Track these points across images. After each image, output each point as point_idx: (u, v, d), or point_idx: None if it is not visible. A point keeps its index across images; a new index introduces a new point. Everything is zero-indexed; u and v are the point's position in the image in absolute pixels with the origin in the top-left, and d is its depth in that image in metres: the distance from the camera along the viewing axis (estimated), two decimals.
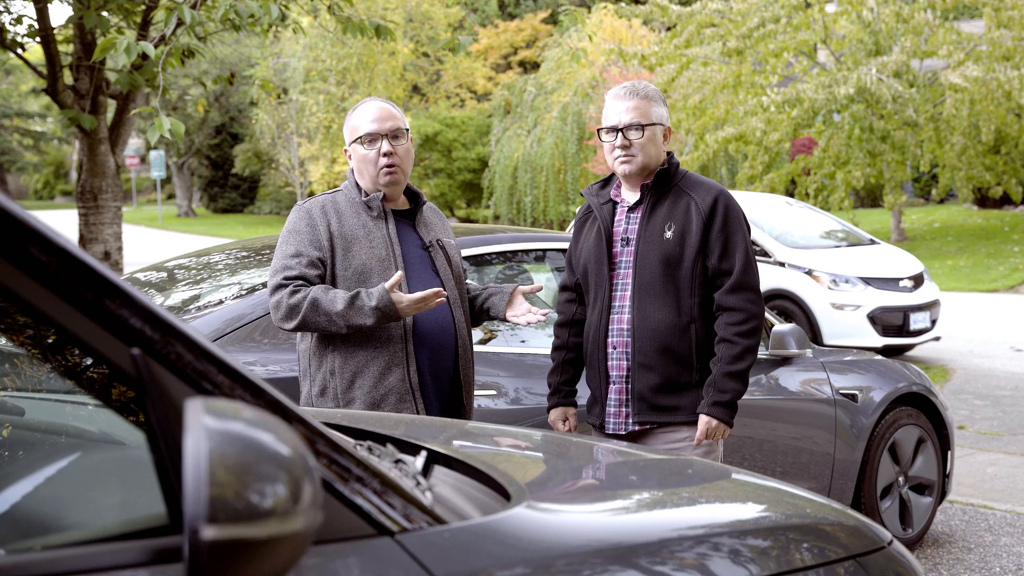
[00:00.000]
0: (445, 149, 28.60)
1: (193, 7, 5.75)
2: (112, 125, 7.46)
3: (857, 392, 4.59)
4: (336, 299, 2.90)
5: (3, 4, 7.45)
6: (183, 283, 4.20)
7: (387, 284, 2.88)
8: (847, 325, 9.64)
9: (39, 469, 1.50)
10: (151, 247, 23.60)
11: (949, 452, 5.01)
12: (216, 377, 1.15)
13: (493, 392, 3.66)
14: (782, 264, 9.98)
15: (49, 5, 7.02)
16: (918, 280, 10.07)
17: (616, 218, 3.22)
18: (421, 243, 3.13)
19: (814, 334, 9.63)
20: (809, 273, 9.88)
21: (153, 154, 34.39)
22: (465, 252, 3.83)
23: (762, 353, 4.29)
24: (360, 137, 3.08)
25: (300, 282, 2.96)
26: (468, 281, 3.40)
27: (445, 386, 3.08)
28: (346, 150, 3.17)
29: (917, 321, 9.75)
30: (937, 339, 10.12)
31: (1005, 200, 22.31)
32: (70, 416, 1.60)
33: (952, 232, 20.55)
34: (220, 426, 0.99)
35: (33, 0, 6.94)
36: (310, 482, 1.02)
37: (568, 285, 3.38)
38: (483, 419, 3.47)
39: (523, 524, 1.42)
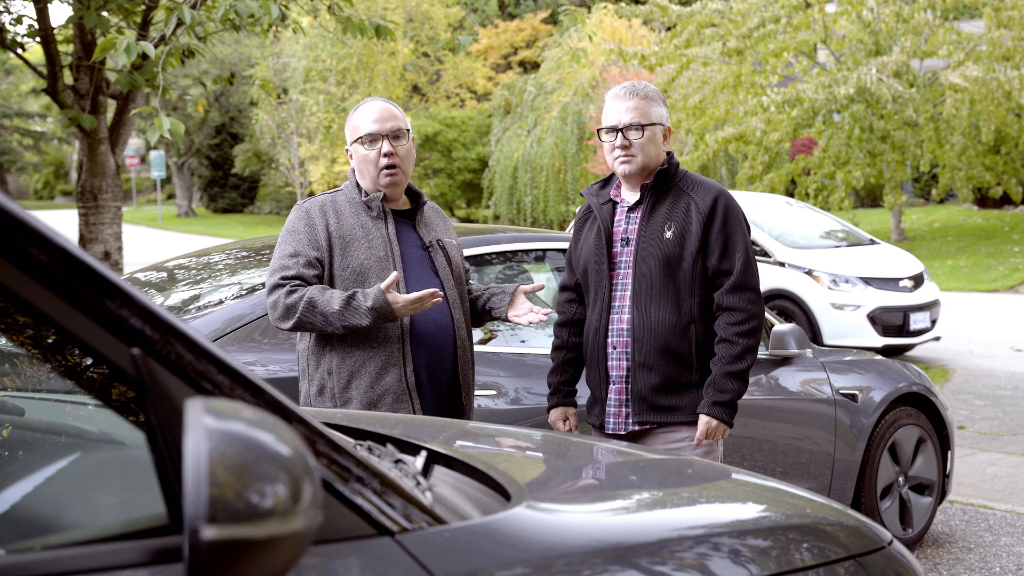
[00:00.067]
0: (445, 149, 28.60)
1: (193, 7, 5.75)
2: (112, 125, 7.46)
3: (857, 392, 4.59)
4: (332, 299, 2.90)
5: (3, 4, 7.45)
6: (183, 283, 4.20)
7: (383, 285, 2.88)
8: (847, 325, 9.64)
9: (39, 469, 1.50)
10: (151, 247, 23.60)
11: (949, 452, 5.01)
12: (216, 377, 1.15)
13: (493, 392, 3.66)
14: (782, 264, 9.99)
15: (49, 5, 7.02)
16: (918, 280, 10.07)
17: (616, 218, 3.22)
18: (421, 243, 3.13)
19: (814, 334, 9.63)
20: (809, 273, 9.88)
21: (153, 154, 34.40)
22: (465, 252, 3.83)
23: (762, 353, 4.29)
24: (361, 137, 3.08)
25: (297, 282, 2.96)
26: (471, 282, 3.40)
27: (443, 386, 3.08)
28: (347, 150, 3.17)
29: (917, 321, 9.75)
30: (937, 339, 10.12)
31: (1005, 200, 22.31)
32: (70, 416, 1.60)
33: (952, 232, 20.55)
34: (220, 426, 0.99)
35: (33, 0, 6.94)
36: (310, 482, 1.02)
37: (568, 285, 3.38)
38: (483, 419, 3.47)
39: (523, 524, 1.42)
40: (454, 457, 1.75)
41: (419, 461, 1.66)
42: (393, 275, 2.89)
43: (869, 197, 24.61)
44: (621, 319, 3.15)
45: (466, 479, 1.66)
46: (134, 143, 38.71)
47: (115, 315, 1.09)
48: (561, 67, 24.24)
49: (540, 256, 4.34)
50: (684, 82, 18.35)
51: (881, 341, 9.57)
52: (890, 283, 9.87)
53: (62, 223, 21.57)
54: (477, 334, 3.77)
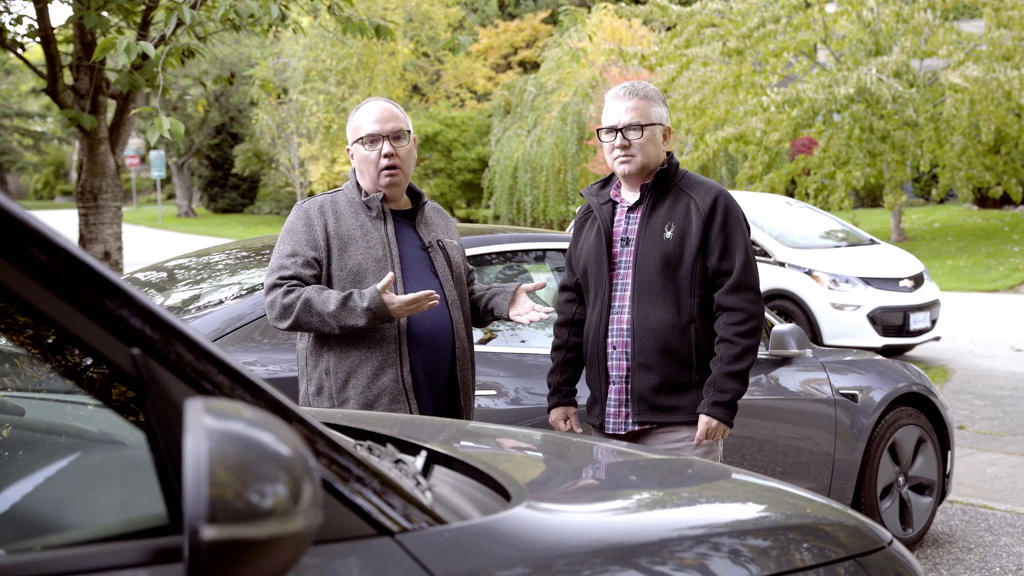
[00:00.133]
0: (445, 149, 28.60)
1: (193, 7, 5.75)
2: (112, 125, 7.46)
3: (857, 392, 4.59)
4: (329, 300, 2.90)
5: (3, 4, 7.45)
6: (183, 283, 4.20)
7: (379, 285, 2.88)
8: (847, 325, 9.64)
9: (39, 469, 1.50)
10: (151, 247, 23.60)
11: (949, 452, 5.01)
12: (216, 377, 1.15)
13: (493, 392, 3.66)
14: (782, 264, 9.98)
15: (49, 5, 7.02)
16: (918, 280, 10.07)
17: (616, 218, 3.22)
18: (421, 243, 3.13)
19: (814, 334, 9.63)
20: (809, 273, 9.88)
21: (153, 154, 34.40)
22: (466, 252, 3.83)
23: (762, 353, 4.29)
24: (362, 138, 3.08)
25: (295, 282, 2.96)
26: (474, 282, 3.39)
27: (440, 387, 3.07)
28: (348, 150, 3.17)
29: (917, 321, 9.75)
30: (937, 339, 10.12)
31: (1005, 200, 22.31)
32: (70, 416, 1.60)
33: (952, 232, 20.55)
34: (220, 426, 0.99)
35: (33, 0, 6.94)
36: (310, 482, 1.02)
37: (568, 285, 3.38)
38: (483, 419, 3.47)
39: (523, 524, 1.42)
40: (454, 457, 1.75)
41: (419, 461, 1.66)
42: (389, 275, 2.89)
43: (869, 197, 24.61)
44: (621, 319, 3.15)
45: (466, 479, 1.66)
46: (134, 143, 38.71)
47: (115, 315, 1.09)
48: (561, 67, 24.25)
49: (540, 256, 4.34)
50: (684, 82, 18.36)
51: (881, 341, 9.57)
52: (890, 283, 9.87)
53: (62, 223, 21.57)
54: (477, 334, 3.77)
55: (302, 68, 28.75)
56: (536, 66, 30.24)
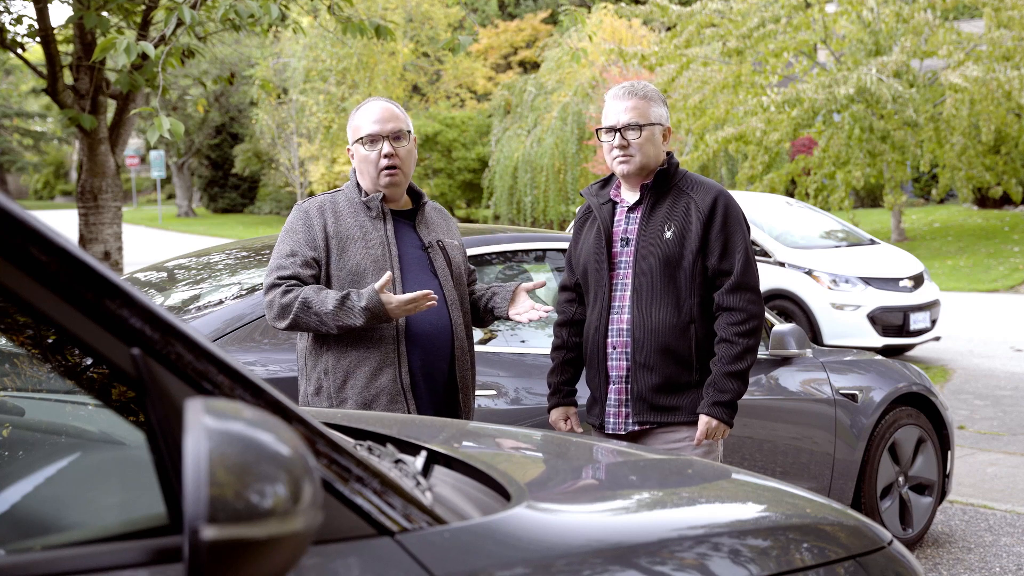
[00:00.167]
0: (445, 149, 28.60)
1: (193, 7, 5.75)
2: (112, 125, 7.46)
3: (857, 392, 4.59)
4: (327, 299, 2.91)
5: (3, 4, 7.45)
6: (183, 283, 4.20)
7: (377, 285, 2.88)
8: (847, 325, 9.64)
9: (39, 469, 1.50)
10: (151, 247, 23.60)
11: (949, 452, 5.01)
12: (216, 377, 1.15)
13: (493, 392, 3.66)
14: (782, 264, 9.98)
15: (49, 5, 7.02)
16: (918, 280, 10.07)
17: (616, 218, 3.22)
18: (420, 244, 3.13)
19: (814, 334, 9.63)
20: (809, 273, 9.88)
21: (153, 154, 34.40)
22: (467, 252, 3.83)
23: (762, 353, 4.29)
24: (362, 138, 3.08)
25: (293, 282, 2.97)
26: (475, 282, 3.38)
27: (439, 387, 3.07)
28: (349, 149, 3.17)
29: (917, 321, 9.75)
30: (937, 339, 10.12)
31: (1005, 200, 22.31)
32: (70, 416, 1.60)
33: (952, 232, 20.55)
34: (220, 426, 0.99)
35: (33, 0, 6.94)
36: (310, 482, 1.02)
37: (568, 285, 3.38)
38: (483, 419, 3.47)
39: (523, 524, 1.42)
40: (454, 457, 1.75)
41: (419, 461, 1.66)
42: (387, 275, 2.89)
43: (869, 197, 24.61)
44: (621, 319, 3.15)
45: (466, 479, 1.66)
46: (134, 143, 38.71)
47: (115, 315, 1.09)
48: (561, 67, 24.24)
49: (540, 256, 4.34)
50: (684, 82, 18.36)
51: (881, 341, 9.57)
52: (890, 283, 9.87)
53: (62, 223, 21.57)
54: (477, 334, 3.76)
55: (302, 68, 28.75)
56: (536, 66, 30.24)
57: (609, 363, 3.18)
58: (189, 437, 0.97)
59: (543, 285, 3.21)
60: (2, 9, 7.38)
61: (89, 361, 1.19)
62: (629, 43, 22.45)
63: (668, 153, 3.23)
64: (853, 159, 17.25)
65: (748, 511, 1.84)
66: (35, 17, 7.05)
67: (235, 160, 36.56)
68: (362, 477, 1.26)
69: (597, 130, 3.25)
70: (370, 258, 3.01)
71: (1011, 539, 4.93)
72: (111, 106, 7.52)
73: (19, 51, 7.13)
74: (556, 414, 3.33)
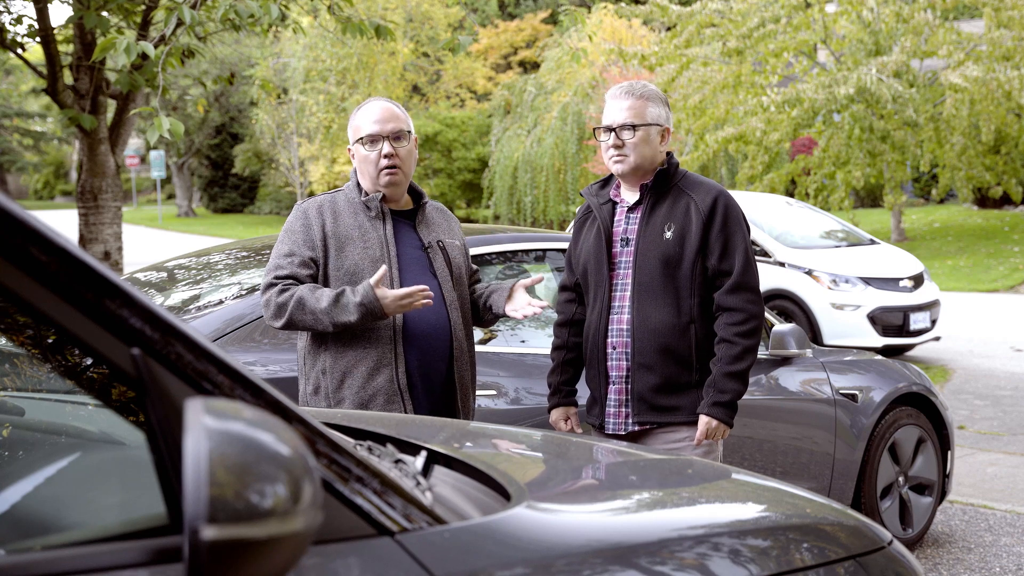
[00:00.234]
0: (445, 149, 28.60)
1: (193, 7, 5.75)
2: (112, 125, 7.46)
3: (857, 392, 4.59)
4: (322, 297, 2.91)
5: (3, 4, 7.45)
6: (183, 283, 4.21)
7: (372, 280, 2.88)
8: (847, 325, 9.64)
9: (39, 469, 1.50)
10: (151, 247, 23.60)
11: (949, 452, 5.01)
12: (216, 377, 1.15)
13: (493, 392, 3.66)
14: (782, 264, 9.99)
15: (49, 5, 7.02)
16: (918, 280, 10.07)
17: (616, 218, 3.22)
18: (420, 244, 3.12)
19: (814, 334, 9.63)
20: (809, 273, 9.88)
21: (153, 154, 34.40)
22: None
23: (762, 353, 4.29)
24: (362, 138, 3.08)
25: (290, 281, 2.97)
26: (479, 281, 3.38)
27: (437, 388, 3.06)
28: (349, 149, 3.17)
29: (917, 321, 9.75)
30: (937, 339, 10.12)
31: (1005, 200, 22.31)
32: (70, 416, 1.60)
33: (952, 232, 20.55)
34: (220, 426, 0.99)
35: (33, 0, 6.94)
36: (310, 482, 1.02)
37: (568, 285, 3.38)
38: (483, 419, 3.47)
39: (523, 524, 1.42)
40: (454, 457, 1.75)
41: (419, 461, 1.66)
42: (383, 269, 2.88)
43: (869, 197, 24.61)
44: (621, 319, 3.15)
45: (466, 479, 1.66)
46: (134, 143, 38.71)
47: (115, 315, 1.09)
48: (561, 67, 24.24)
49: (540, 256, 4.34)
50: (684, 82, 18.36)
51: (881, 341, 9.57)
52: (890, 283, 9.87)
53: (62, 223, 21.57)
54: (477, 334, 3.76)
55: (302, 68, 28.75)
56: (536, 66, 30.24)
57: (609, 363, 3.18)
58: (189, 437, 0.97)
59: (540, 280, 3.20)
60: (2, 9, 7.38)
61: (89, 361, 1.19)
62: (629, 43, 22.45)
63: (668, 153, 3.23)
64: (853, 159, 17.25)
65: (748, 511, 1.84)
66: (35, 17, 7.05)
67: (235, 160, 36.56)
68: (362, 477, 1.26)
69: (595, 129, 3.25)
70: (368, 258, 3.01)
71: (1011, 539, 4.93)
72: (111, 106, 7.52)
73: (19, 51, 7.13)
74: (556, 414, 3.33)
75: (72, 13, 6.60)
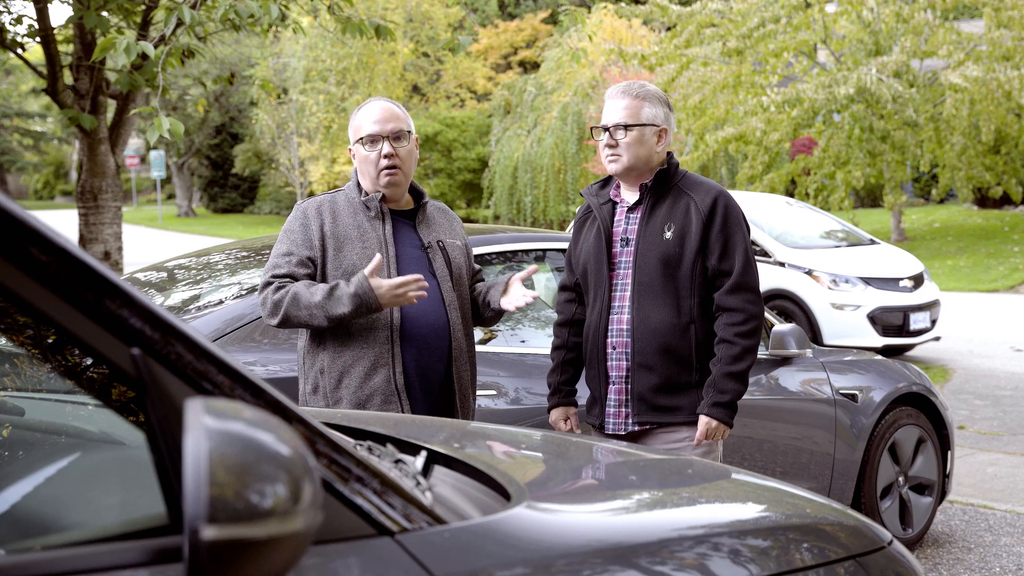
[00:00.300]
0: (445, 149, 28.60)
1: (193, 7, 5.75)
2: (112, 125, 7.46)
3: (857, 392, 4.59)
4: (316, 291, 2.91)
5: (3, 4, 7.45)
6: (183, 283, 4.21)
7: (367, 270, 2.87)
8: (847, 325, 9.64)
9: (39, 469, 1.50)
10: (151, 247, 23.60)
11: (949, 452, 5.01)
12: (216, 377, 1.15)
13: (493, 392, 3.66)
14: (782, 264, 9.99)
15: (49, 5, 7.02)
16: (918, 280, 10.07)
17: (616, 218, 3.22)
18: (420, 244, 3.12)
19: (814, 334, 9.62)
20: (809, 273, 9.88)
21: (153, 154, 34.40)
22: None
23: (762, 353, 4.29)
24: (362, 138, 3.08)
25: (288, 280, 2.97)
26: (480, 280, 3.37)
27: (435, 388, 3.05)
28: (350, 149, 3.17)
29: (917, 321, 9.75)
30: (937, 339, 10.12)
31: (1005, 200, 22.31)
32: (70, 416, 1.60)
33: (952, 232, 20.55)
34: (220, 426, 0.99)
35: (33, 0, 6.94)
36: (310, 482, 1.02)
37: (568, 285, 3.38)
38: (483, 419, 3.47)
39: (523, 524, 1.42)
40: (454, 457, 1.75)
41: (419, 461, 1.66)
42: (377, 258, 2.88)
43: (869, 197, 24.61)
44: (621, 319, 3.15)
45: (466, 479, 1.66)
46: (134, 143, 38.71)
47: (115, 315, 1.09)
48: (561, 67, 24.24)
49: (540, 256, 4.34)
50: (684, 82, 18.36)
51: (881, 341, 9.57)
52: (890, 283, 9.87)
53: (62, 223, 21.57)
54: (477, 334, 3.76)
55: (302, 68, 28.75)
56: (536, 66, 30.24)
57: (609, 363, 3.18)
58: (189, 437, 0.97)
59: (535, 271, 3.20)
60: (2, 9, 7.38)
61: (89, 361, 1.19)
62: (629, 43, 22.45)
63: (668, 153, 3.23)
64: (853, 159, 17.25)
65: (748, 511, 1.84)
66: (35, 17, 7.05)
67: (235, 160, 36.56)
68: (362, 477, 1.26)
69: (592, 128, 3.26)
70: (367, 258, 3.00)
71: (1011, 539, 4.93)
72: (111, 106, 7.52)
73: (19, 51, 7.13)
74: (556, 414, 3.33)
75: (72, 13, 6.60)
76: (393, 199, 3.12)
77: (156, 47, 5.58)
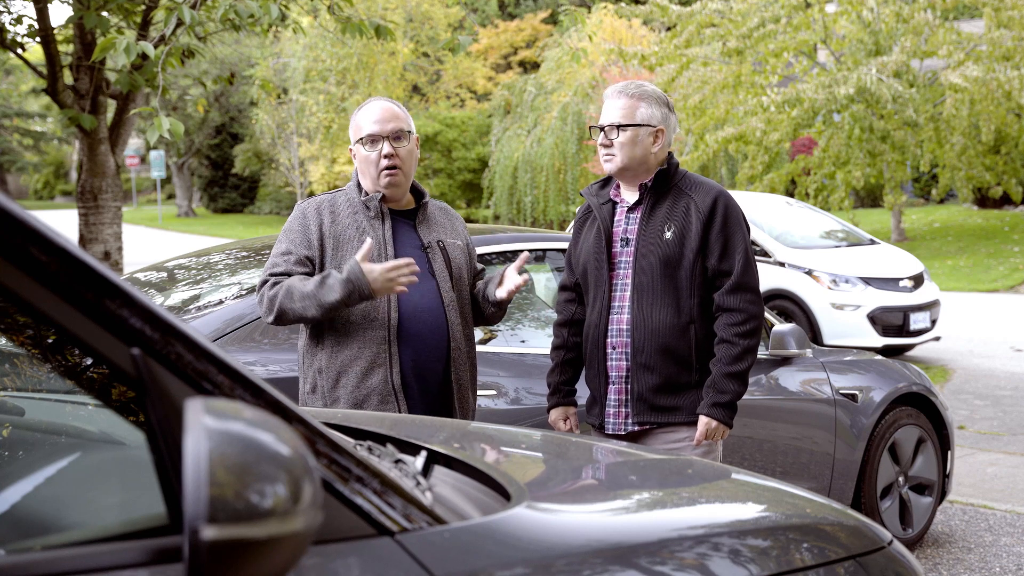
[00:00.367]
0: (445, 149, 28.60)
1: (193, 7, 5.75)
2: (112, 125, 7.46)
3: (857, 392, 4.59)
4: (309, 283, 2.91)
5: (3, 4, 7.45)
6: (183, 283, 4.21)
7: (358, 255, 2.87)
8: (847, 325, 9.64)
9: (39, 469, 1.50)
10: (151, 247, 23.60)
11: (949, 452, 5.01)
12: (216, 377, 1.15)
13: (493, 392, 3.65)
14: (782, 264, 9.98)
15: (49, 5, 7.02)
16: (918, 280, 10.07)
17: (616, 218, 3.22)
18: (420, 243, 3.12)
19: (814, 334, 9.62)
20: (809, 273, 9.88)
21: (153, 154, 34.40)
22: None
23: (762, 353, 4.29)
24: (362, 138, 3.08)
25: (285, 278, 2.97)
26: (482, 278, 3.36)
27: (433, 389, 3.04)
28: (350, 149, 3.17)
29: (917, 321, 9.75)
30: (937, 339, 10.12)
31: (1005, 200, 22.31)
32: (70, 416, 1.60)
33: (952, 232, 20.55)
34: (220, 426, 0.99)
35: (33, 0, 6.95)
36: (310, 482, 1.02)
37: (568, 285, 3.38)
38: (483, 419, 3.47)
39: (523, 524, 1.42)
40: (454, 457, 1.75)
41: (419, 461, 1.66)
42: (368, 242, 2.87)
43: (869, 197, 24.61)
44: (621, 319, 3.15)
45: (466, 479, 1.66)
46: (134, 143, 38.71)
47: (115, 315, 1.09)
48: (561, 67, 24.24)
49: (540, 256, 4.34)
50: (684, 82, 18.36)
51: (881, 341, 9.57)
52: (890, 283, 9.87)
53: (62, 223, 21.56)
54: (478, 334, 3.75)
55: (302, 68, 28.75)
56: (536, 66, 30.24)
57: (609, 363, 3.18)
58: (189, 437, 0.97)
59: (529, 260, 3.19)
60: (2, 9, 7.38)
61: (89, 361, 1.19)
62: (629, 43, 22.45)
63: (669, 153, 3.23)
64: (853, 159, 17.25)
65: (748, 511, 1.84)
66: (35, 17, 7.05)
67: (235, 160, 36.56)
68: (362, 477, 1.26)
69: (590, 128, 3.27)
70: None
71: (1011, 539, 4.93)
72: (111, 106, 7.52)
73: (19, 51, 7.13)
74: (555, 414, 3.33)
75: (72, 13, 6.60)
76: (393, 199, 3.12)
77: (156, 47, 5.58)
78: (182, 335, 1.13)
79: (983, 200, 22.36)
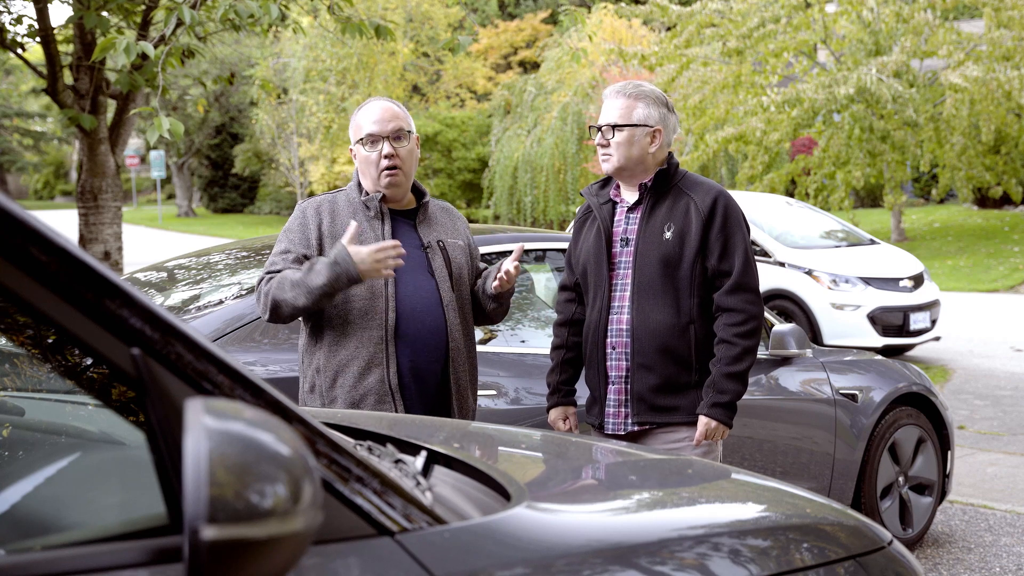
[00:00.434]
0: (445, 149, 28.60)
1: (193, 7, 5.75)
2: (112, 125, 7.46)
3: (857, 392, 4.59)
4: (298, 271, 2.91)
5: (3, 4, 7.45)
6: (183, 283, 4.21)
7: (344, 238, 2.87)
8: (847, 325, 9.64)
9: (39, 469, 1.50)
10: (151, 247, 23.60)
11: (949, 452, 5.01)
12: (216, 377, 1.15)
13: (493, 392, 3.65)
14: (782, 264, 9.99)
15: (49, 5, 7.02)
16: (918, 280, 10.07)
17: (616, 218, 3.23)
18: (420, 243, 3.12)
19: (814, 334, 9.62)
20: (809, 273, 9.88)
21: (153, 154, 34.40)
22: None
23: (762, 353, 4.29)
24: (362, 138, 3.08)
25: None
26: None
27: (431, 389, 3.04)
28: (351, 149, 3.17)
29: (917, 321, 9.75)
30: (937, 339, 10.12)
31: (1005, 200, 22.31)
32: (70, 416, 1.60)
33: (952, 232, 20.55)
34: (220, 426, 0.99)
35: (33, 0, 6.95)
36: (310, 482, 1.02)
37: (567, 285, 3.38)
38: (483, 419, 3.47)
39: (523, 524, 1.42)
40: (454, 457, 1.75)
41: (419, 461, 1.66)
42: (354, 225, 2.88)
43: (869, 197, 24.61)
44: (620, 319, 3.15)
45: (466, 479, 1.66)
46: (134, 143, 38.70)
47: (115, 315, 1.09)
48: (561, 67, 24.24)
49: (540, 256, 4.34)
50: (684, 82, 18.36)
51: (881, 341, 9.57)
52: (890, 283, 9.87)
53: (62, 223, 21.56)
54: (478, 334, 3.75)
55: (302, 68, 28.74)
56: (536, 66, 30.24)
57: (608, 363, 3.18)
58: (189, 437, 0.97)
59: (524, 251, 3.19)
60: (2, 9, 7.38)
61: (89, 361, 1.19)
62: (629, 43, 22.44)
63: (669, 153, 3.23)
64: (853, 159, 17.25)
65: (748, 511, 1.84)
66: (35, 17, 7.05)
67: (235, 160, 36.56)
68: (362, 477, 1.26)
69: (589, 128, 3.28)
70: None
71: (1011, 539, 4.93)
72: (111, 106, 7.52)
73: (19, 51, 7.13)
74: (555, 414, 3.33)
75: (72, 13, 6.60)
76: (394, 199, 3.12)
77: (156, 47, 5.58)
78: (182, 335, 1.13)
79: (983, 200, 22.36)
